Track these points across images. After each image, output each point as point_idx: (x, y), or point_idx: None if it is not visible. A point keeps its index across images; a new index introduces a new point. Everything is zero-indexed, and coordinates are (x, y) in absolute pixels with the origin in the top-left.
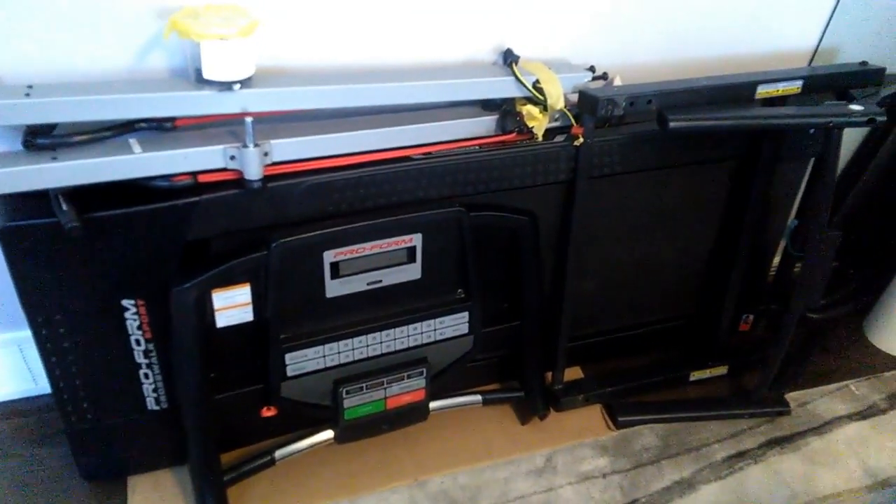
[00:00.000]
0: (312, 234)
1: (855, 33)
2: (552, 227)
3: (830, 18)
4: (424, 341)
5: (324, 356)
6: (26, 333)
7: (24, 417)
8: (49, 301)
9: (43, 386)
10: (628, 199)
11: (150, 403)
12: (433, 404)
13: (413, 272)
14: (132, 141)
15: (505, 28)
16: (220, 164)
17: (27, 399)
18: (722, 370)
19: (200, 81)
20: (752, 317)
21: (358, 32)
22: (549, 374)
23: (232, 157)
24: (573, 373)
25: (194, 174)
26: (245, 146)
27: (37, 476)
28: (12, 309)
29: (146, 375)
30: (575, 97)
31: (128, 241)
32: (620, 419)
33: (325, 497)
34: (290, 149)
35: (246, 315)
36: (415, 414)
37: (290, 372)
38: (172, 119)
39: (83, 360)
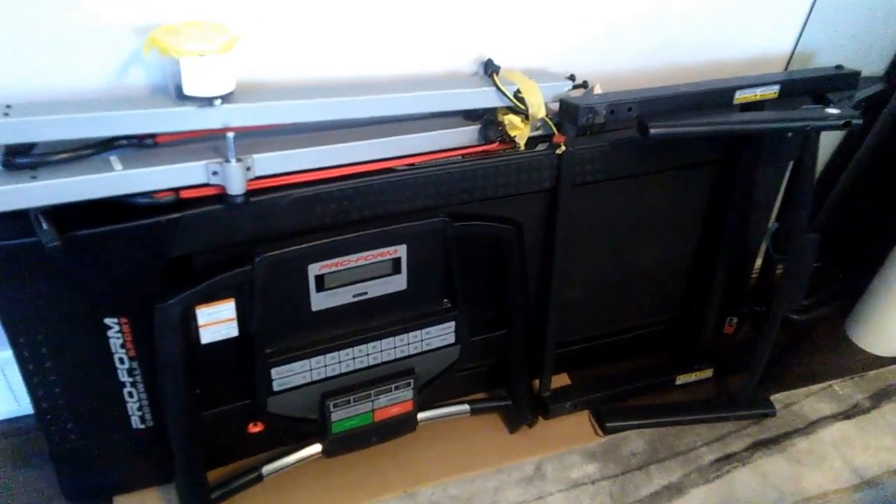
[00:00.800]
0: (297, 247)
1: (830, 38)
2: (536, 235)
3: (805, 23)
4: (411, 352)
5: (310, 370)
6: (7, 354)
7: (7, 439)
8: (31, 321)
9: (26, 406)
10: (611, 205)
11: (135, 422)
12: (421, 415)
13: (399, 283)
14: (113, 158)
15: (485, 39)
16: (203, 180)
17: (9, 420)
18: (707, 373)
19: (181, 97)
20: (735, 319)
21: (339, 46)
22: (537, 382)
23: (214, 173)
24: (560, 380)
25: (176, 190)
26: (227, 161)
27: (20, 498)
28: None
29: (130, 394)
30: (556, 106)
31: (110, 258)
32: (608, 425)
33: None
34: (272, 163)
35: (231, 330)
36: (403, 425)
37: (276, 386)
38: (153, 136)
39: (66, 380)
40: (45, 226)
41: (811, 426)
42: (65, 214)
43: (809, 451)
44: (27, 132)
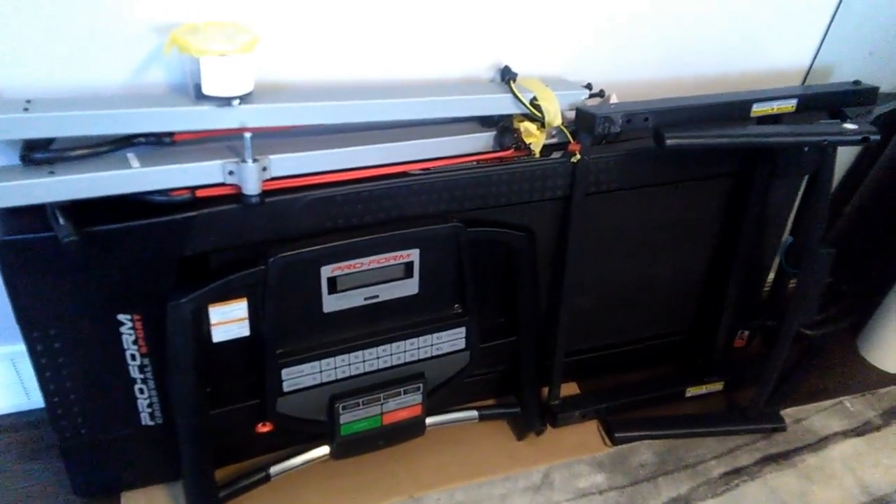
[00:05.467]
0: (310, 249)
1: (848, 53)
2: (549, 243)
3: (824, 38)
4: (421, 357)
5: (320, 371)
6: (20, 347)
7: (17, 432)
8: (44, 315)
9: (36, 400)
10: (624, 215)
11: (145, 418)
12: (429, 420)
13: (410, 287)
14: (130, 155)
15: (502, 45)
16: (219, 179)
17: (20, 413)
18: (717, 386)
19: (200, 97)
20: (747, 333)
21: (357, 49)
22: (546, 390)
23: (230, 172)
24: (569, 388)
25: (192, 189)
26: (244, 161)
27: (29, 492)
28: (6, 323)
29: (141, 390)
30: (572, 114)
31: (125, 255)
32: (617, 435)
33: None
34: (288, 164)
35: (242, 330)
36: (411, 430)
37: (286, 387)
38: (171, 134)
39: (78, 375)
40: (61, 221)
41: (821, 442)
42: (82, 210)
43: (819, 468)
44: (46, 127)
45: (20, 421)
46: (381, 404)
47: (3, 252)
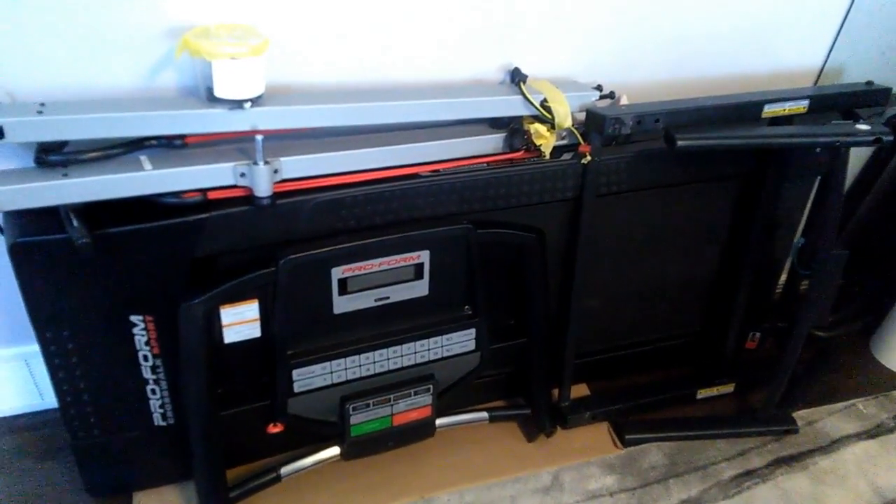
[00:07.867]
0: (321, 250)
1: (860, 53)
2: (559, 244)
3: (836, 38)
4: (431, 358)
5: (331, 372)
6: (33, 348)
7: (30, 432)
8: (58, 316)
9: (49, 401)
10: (635, 216)
11: (157, 419)
12: (439, 421)
13: (420, 289)
14: (143, 158)
15: (512, 47)
16: (230, 181)
17: (33, 413)
18: (729, 388)
19: (211, 99)
20: (758, 334)
21: (367, 52)
22: (556, 392)
23: (242, 175)
24: (580, 390)
25: (204, 191)
26: (255, 163)
27: (42, 491)
28: (20, 323)
29: (153, 391)
30: (582, 116)
31: (137, 257)
32: (627, 437)
33: None
34: (299, 166)
35: (254, 331)
36: (421, 431)
37: (297, 388)
38: (183, 136)
39: (91, 376)
40: (75, 223)
41: (834, 444)
42: (95, 212)
43: (831, 470)
44: (60, 130)
45: (33, 421)
46: (392, 405)
47: (17, 253)
